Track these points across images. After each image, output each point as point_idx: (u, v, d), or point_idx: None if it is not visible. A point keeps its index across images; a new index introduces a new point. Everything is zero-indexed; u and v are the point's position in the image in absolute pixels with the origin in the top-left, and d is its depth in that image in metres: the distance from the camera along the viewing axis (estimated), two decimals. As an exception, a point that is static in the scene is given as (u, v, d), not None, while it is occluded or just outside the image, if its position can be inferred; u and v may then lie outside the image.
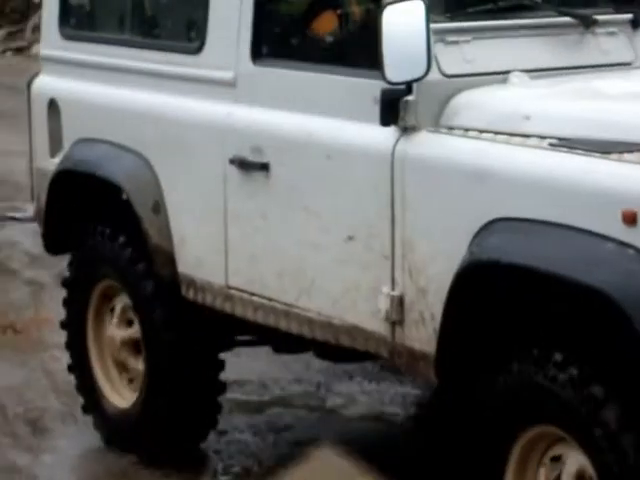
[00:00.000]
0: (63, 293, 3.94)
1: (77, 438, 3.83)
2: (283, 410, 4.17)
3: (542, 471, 2.46)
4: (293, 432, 3.91)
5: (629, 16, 2.95)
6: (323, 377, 4.30)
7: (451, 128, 2.62)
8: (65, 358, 3.94)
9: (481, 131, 2.54)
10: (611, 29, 2.97)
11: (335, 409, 4.08)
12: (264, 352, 4.01)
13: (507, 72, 2.71)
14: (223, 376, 3.64)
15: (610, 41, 2.95)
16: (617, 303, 2.14)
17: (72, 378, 3.77)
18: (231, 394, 4.00)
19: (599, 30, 2.93)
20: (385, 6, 2.52)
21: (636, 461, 2.21)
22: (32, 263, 5.63)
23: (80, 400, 3.81)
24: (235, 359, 3.95)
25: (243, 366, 4.21)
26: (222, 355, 3.46)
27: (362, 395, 4.23)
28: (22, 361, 4.37)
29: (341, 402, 4.14)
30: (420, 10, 2.47)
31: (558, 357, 2.32)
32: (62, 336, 3.96)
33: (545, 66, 2.81)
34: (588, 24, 2.90)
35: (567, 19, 2.89)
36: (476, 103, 2.64)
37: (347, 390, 4.23)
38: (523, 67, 2.72)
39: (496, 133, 2.51)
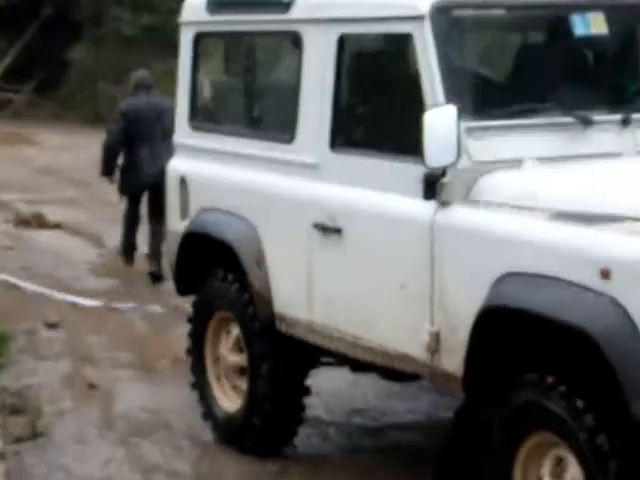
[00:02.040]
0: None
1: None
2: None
3: (546, 467, 2.98)
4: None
5: (619, 116, 3.42)
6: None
7: (477, 202, 3.16)
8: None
9: (499, 205, 3.08)
10: (605, 126, 3.42)
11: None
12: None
13: (521, 160, 3.22)
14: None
15: (604, 136, 3.40)
16: (593, 337, 2.63)
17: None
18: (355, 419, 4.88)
19: (595, 127, 3.38)
20: (428, 110, 3.07)
21: (608, 453, 2.68)
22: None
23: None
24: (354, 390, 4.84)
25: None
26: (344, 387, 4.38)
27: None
28: (182, 384, 5.09)
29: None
30: (453, 113, 2.99)
31: (550, 379, 2.82)
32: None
33: (552, 155, 3.30)
34: (586, 123, 3.38)
35: (570, 119, 3.37)
36: (496, 183, 3.16)
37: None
38: (534, 155, 3.23)
39: (510, 207, 3.05)
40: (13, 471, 4.01)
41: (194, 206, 4.48)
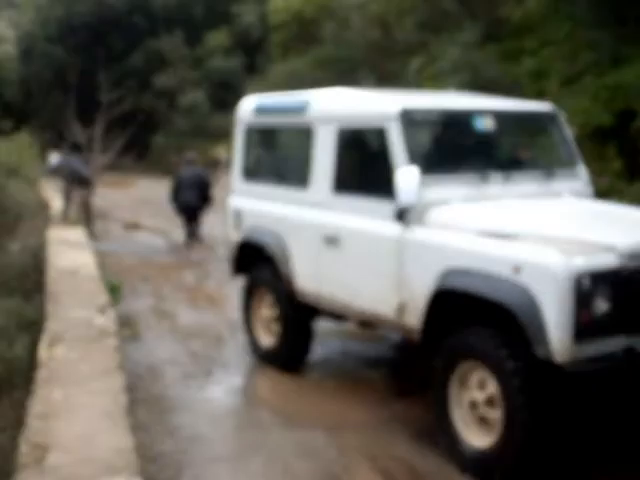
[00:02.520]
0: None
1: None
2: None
3: (470, 381, 3.42)
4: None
5: (503, 175, 3.93)
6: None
7: (426, 225, 3.67)
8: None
9: (440, 227, 3.62)
10: (496, 180, 3.87)
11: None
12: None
13: (451, 199, 3.70)
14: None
15: (495, 186, 3.85)
16: (510, 308, 3.12)
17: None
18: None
19: (491, 181, 3.85)
20: (399, 170, 3.62)
21: (513, 371, 3.12)
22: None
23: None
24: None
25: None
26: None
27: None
28: (213, 312, 5.83)
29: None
30: (416, 172, 3.59)
31: (477, 328, 3.35)
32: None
33: (468, 197, 3.75)
34: (486, 178, 3.86)
35: (477, 176, 3.83)
36: (437, 213, 3.68)
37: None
38: (459, 197, 3.72)
39: (447, 228, 3.55)
40: (124, 356, 4.52)
41: (244, 227, 5.09)
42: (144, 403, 4.23)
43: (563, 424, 3.13)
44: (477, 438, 3.36)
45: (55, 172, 10.31)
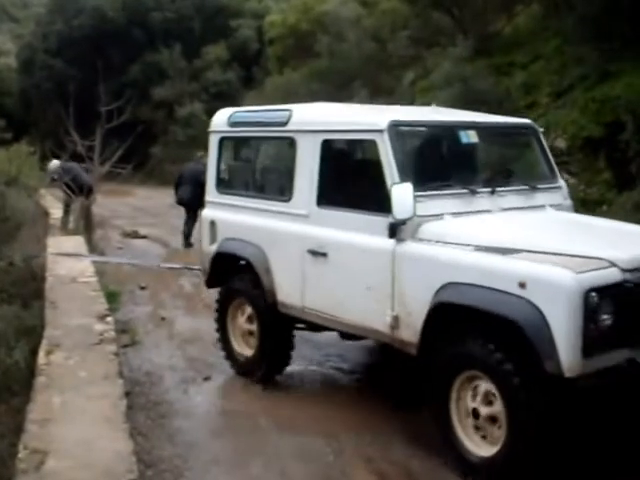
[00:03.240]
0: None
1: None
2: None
3: (469, 392, 3.37)
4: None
5: (489, 189, 3.91)
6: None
7: (421, 239, 3.61)
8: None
9: (437, 241, 3.54)
10: (482, 195, 3.83)
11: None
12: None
13: (443, 214, 3.66)
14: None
15: (482, 200, 3.81)
16: (519, 323, 3.05)
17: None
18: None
19: (478, 195, 3.81)
20: (394, 186, 3.54)
21: (517, 384, 3.07)
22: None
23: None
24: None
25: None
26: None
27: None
28: (208, 319, 5.20)
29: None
30: (410, 188, 3.51)
31: (481, 341, 3.25)
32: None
33: (458, 211, 3.71)
34: (474, 193, 3.83)
35: (466, 191, 3.76)
36: (431, 228, 3.61)
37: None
38: (450, 211, 3.68)
39: (440, 242, 3.49)
40: (122, 362, 4.56)
41: (219, 237, 4.97)
42: (143, 408, 4.20)
43: (567, 436, 3.09)
44: (481, 448, 3.30)
45: (55, 179, 10.33)
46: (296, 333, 4.56)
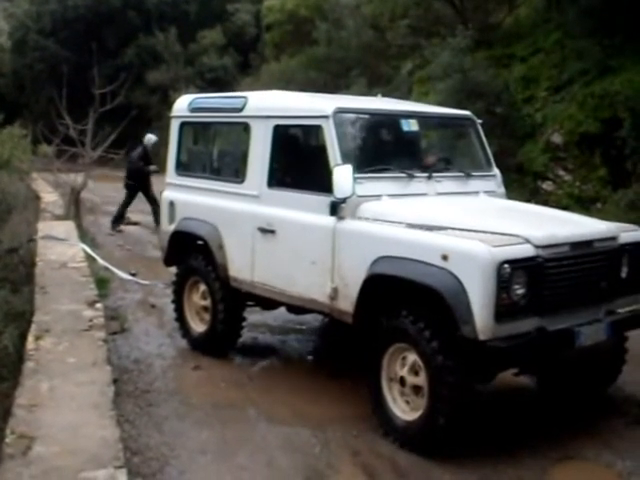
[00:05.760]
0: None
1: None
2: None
3: (398, 362, 3.66)
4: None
5: (426, 174, 4.21)
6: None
7: (360, 218, 3.88)
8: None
9: (372, 220, 3.82)
10: (420, 179, 4.11)
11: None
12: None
13: (381, 195, 3.92)
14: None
15: (419, 184, 4.10)
16: (440, 292, 3.32)
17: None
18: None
19: (415, 179, 4.09)
20: (335, 167, 3.80)
21: (434, 352, 3.37)
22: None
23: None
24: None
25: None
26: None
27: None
28: None
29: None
30: (350, 169, 3.77)
31: (405, 312, 3.54)
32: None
33: (396, 193, 3.98)
34: (411, 177, 4.10)
35: (404, 174, 4.05)
36: (369, 207, 3.88)
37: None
38: (387, 193, 3.93)
39: (378, 221, 3.76)
40: (111, 349, 4.68)
41: (178, 217, 5.21)
42: (130, 396, 4.22)
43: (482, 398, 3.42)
44: (405, 413, 3.62)
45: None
46: (294, 331, 4.86)
